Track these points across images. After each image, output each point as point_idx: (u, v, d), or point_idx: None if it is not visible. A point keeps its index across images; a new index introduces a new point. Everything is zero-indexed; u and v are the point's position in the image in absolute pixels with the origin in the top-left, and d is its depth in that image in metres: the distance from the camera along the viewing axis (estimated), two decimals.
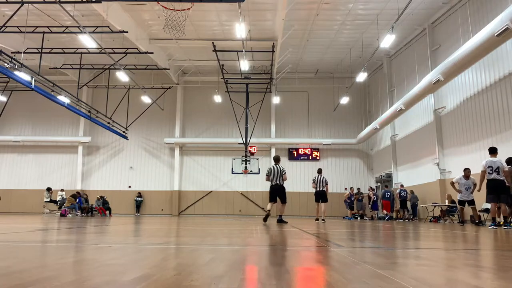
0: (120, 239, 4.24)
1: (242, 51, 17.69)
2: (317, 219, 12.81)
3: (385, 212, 18.60)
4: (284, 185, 10.34)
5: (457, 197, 11.42)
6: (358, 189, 21.50)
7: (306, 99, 24.77)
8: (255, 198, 23.67)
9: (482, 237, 5.33)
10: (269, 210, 10.04)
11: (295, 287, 1.64)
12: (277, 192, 10.21)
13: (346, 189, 22.08)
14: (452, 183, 11.32)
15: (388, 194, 18.61)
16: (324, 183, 12.93)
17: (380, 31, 17.46)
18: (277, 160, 10.66)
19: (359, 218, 19.54)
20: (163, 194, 23.85)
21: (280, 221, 9.95)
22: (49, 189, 20.10)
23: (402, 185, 18.58)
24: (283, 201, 10.32)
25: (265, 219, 9.92)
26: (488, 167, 9.29)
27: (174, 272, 1.91)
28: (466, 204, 10.99)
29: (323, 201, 12.80)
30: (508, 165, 9.41)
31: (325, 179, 13.04)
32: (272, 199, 10.23)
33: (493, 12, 12.30)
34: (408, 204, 17.90)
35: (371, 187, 21.22)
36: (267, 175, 10.38)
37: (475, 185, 10.74)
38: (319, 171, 13.39)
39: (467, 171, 11.06)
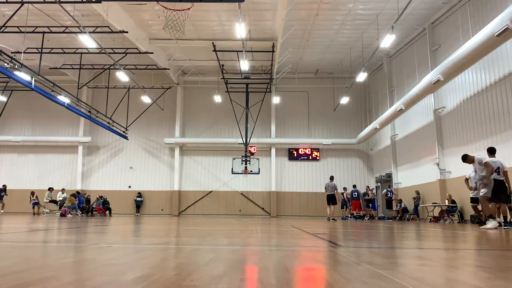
0: (120, 239, 4.24)
1: (242, 51, 17.68)
2: (329, 219, 14.45)
3: (354, 212, 19.15)
4: None
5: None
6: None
7: (306, 99, 24.75)
8: (255, 198, 23.67)
9: (482, 237, 5.33)
10: None
11: (295, 287, 1.64)
12: None
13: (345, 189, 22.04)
14: (466, 180, 10.65)
15: (355, 194, 19.39)
16: (333, 188, 15.06)
17: (380, 31, 17.45)
18: None
19: (366, 219, 19.54)
20: (163, 194, 23.84)
21: None
22: (50, 189, 20.09)
23: (389, 186, 18.76)
24: None
25: None
26: None
27: (174, 272, 1.91)
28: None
29: (333, 203, 14.83)
30: None
31: (334, 185, 15.18)
32: None
33: (493, 12, 12.29)
34: (394, 203, 18.38)
35: (368, 187, 21.15)
36: None
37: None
38: (331, 178, 15.60)
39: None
